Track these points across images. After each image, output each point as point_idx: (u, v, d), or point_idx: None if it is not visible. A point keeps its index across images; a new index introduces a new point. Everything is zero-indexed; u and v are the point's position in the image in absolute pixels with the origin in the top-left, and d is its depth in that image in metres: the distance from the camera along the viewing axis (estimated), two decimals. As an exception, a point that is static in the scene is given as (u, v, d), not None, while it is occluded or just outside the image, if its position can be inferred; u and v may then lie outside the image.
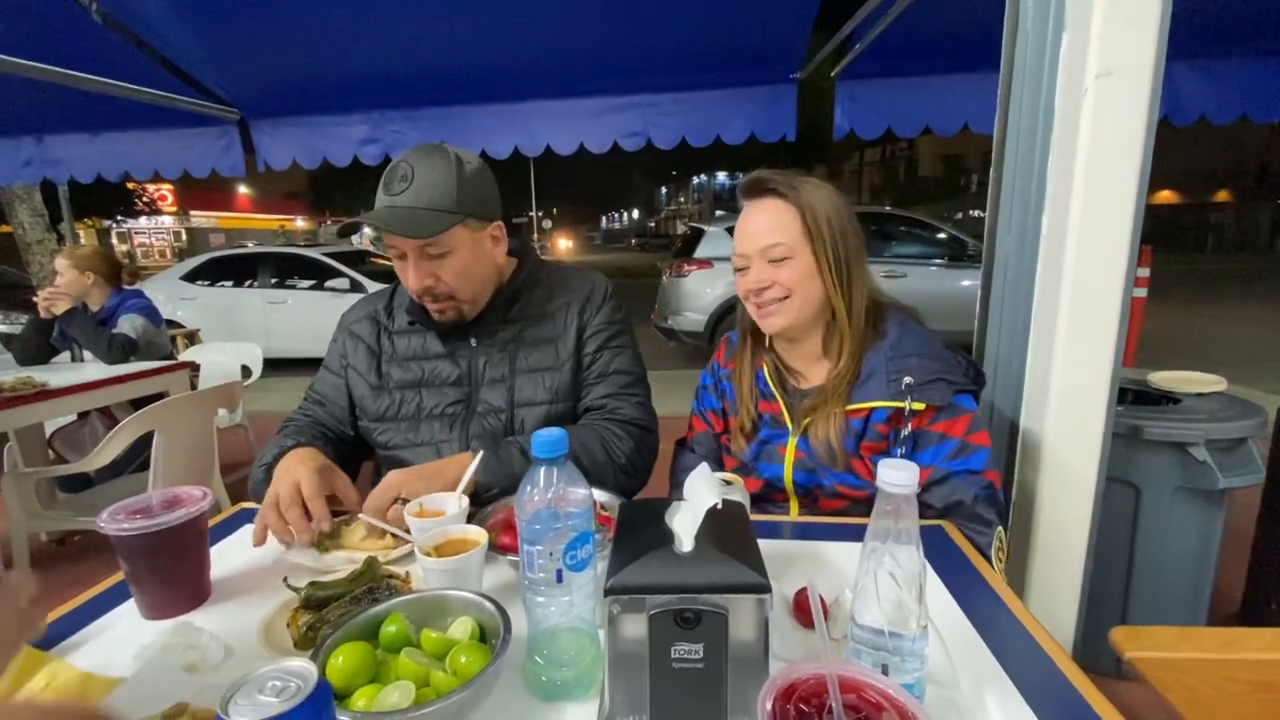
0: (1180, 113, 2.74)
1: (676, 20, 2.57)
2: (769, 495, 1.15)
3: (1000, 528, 0.99)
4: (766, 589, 0.54)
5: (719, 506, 0.58)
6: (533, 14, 2.51)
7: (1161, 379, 1.85)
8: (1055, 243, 1.19)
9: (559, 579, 0.59)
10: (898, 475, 0.53)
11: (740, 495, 0.89)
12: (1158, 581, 1.68)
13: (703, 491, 0.62)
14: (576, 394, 1.19)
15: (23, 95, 2.92)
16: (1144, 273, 4.87)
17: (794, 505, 1.14)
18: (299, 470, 0.93)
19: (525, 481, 0.60)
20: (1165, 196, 23.47)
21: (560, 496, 0.59)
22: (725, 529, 0.60)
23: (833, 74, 2.95)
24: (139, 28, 2.60)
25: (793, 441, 1.10)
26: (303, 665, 0.46)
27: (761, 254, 1.05)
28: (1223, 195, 23.56)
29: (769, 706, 0.42)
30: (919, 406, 0.99)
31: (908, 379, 1.00)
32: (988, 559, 0.94)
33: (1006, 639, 0.70)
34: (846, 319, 1.05)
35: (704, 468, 0.68)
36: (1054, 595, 1.31)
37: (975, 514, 0.98)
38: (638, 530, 0.61)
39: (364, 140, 3.28)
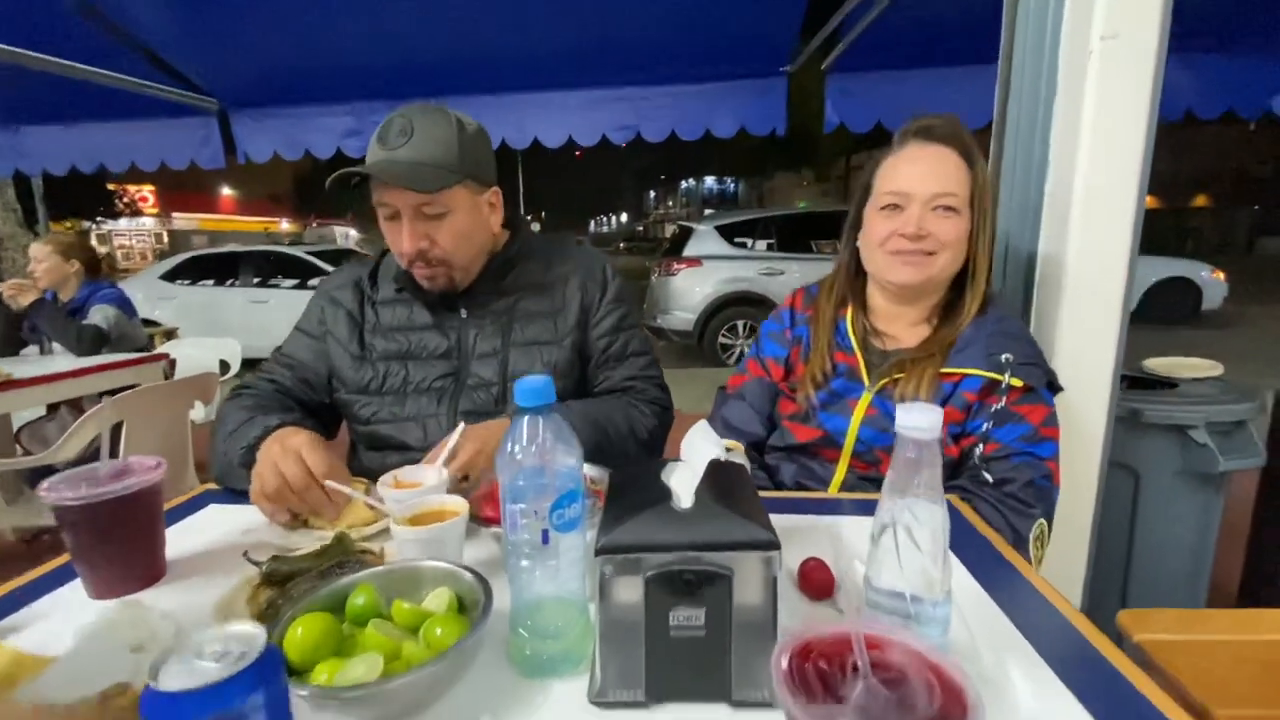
0: (1166, 106, 2.73)
1: (666, 12, 2.54)
2: (819, 450, 1.11)
3: (1044, 521, 0.97)
4: (775, 545, 0.49)
5: (722, 459, 0.53)
6: (521, 4, 2.46)
7: (1158, 364, 1.83)
8: (1058, 212, 1.16)
9: (545, 540, 0.53)
10: (919, 418, 0.48)
11: (741, 461, 0.84)
12: (1157, 566, 1.66)
13: (702, 446, 0.58)
14: (575, 373, 1.14)
15: (-8, 82, 2.83)
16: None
17: (842, 465, 1.09)
18: (294, 440, 0.83)
19: (507, 434, 0.55)
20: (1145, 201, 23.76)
21: (546, 450, 0.53)
22: (727, 485, 0.55)
23: (823, 66, 2.93)
24: (113, 13, 2.52)
25: (867, 397, 1.06)
26: (247, 629, 0.40)
27: (929, 199, 1.01)
28: (1201, 200, 23.93)
29: (785, 664, 0.37)
30: (1017, 383, 0.98)
31: (1007, 355, 0.99)
32: (1021, 543, 0.92)
33: (1024, 607, 0.66)
34: (979, 289, 1.05)
35: (703, 424, 0.63)
36: (1057, 580, 1.26)
37: (1018, 495, 0.96)
38: (632, 489, 0.56)
39: (347, 132, 3.21)
